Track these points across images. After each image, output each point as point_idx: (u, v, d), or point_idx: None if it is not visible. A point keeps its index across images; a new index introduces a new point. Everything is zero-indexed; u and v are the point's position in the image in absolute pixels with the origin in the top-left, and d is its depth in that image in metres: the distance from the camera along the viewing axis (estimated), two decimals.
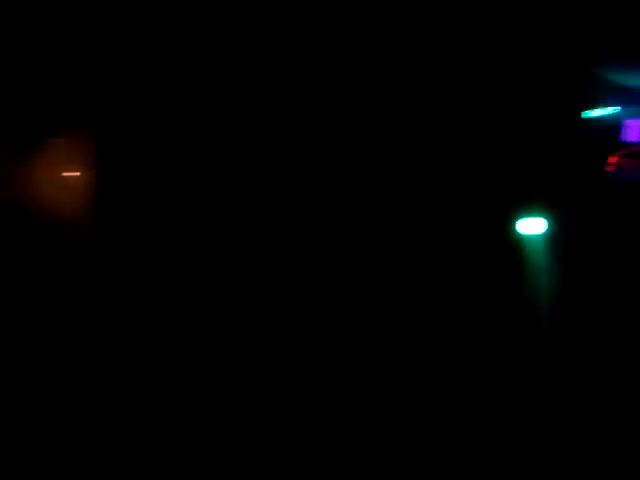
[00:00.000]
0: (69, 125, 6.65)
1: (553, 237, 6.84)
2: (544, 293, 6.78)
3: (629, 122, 7.95)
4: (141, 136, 6.47)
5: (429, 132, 6.03)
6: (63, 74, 6.13)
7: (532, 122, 6.54)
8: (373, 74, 5.75)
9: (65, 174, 7.06)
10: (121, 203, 6.58)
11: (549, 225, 6.64)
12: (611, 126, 7.55)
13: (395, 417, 4.20)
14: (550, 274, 6.88)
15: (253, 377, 4.74)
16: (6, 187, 6.92)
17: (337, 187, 6.10)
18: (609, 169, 7.82)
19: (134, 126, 6.44)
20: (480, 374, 4.89)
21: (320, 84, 5.80)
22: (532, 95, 6.40)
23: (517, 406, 4.34)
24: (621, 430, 3.93)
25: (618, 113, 7.40)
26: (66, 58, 5.89)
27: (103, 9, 5.48)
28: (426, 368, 4.84)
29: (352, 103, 5.87)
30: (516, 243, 6.67)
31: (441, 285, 5.89)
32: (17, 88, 6.13)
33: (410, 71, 5.70)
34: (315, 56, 5.69)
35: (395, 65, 5.69)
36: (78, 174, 7.02)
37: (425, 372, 4.79)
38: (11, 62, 5.83)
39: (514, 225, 6.59)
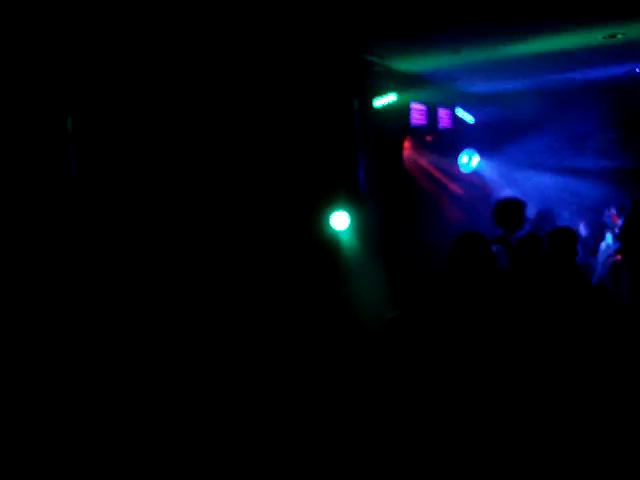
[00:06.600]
0: None
1: (359, 230, 6.96)
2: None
3: (413, 107, 8.20)
4: None
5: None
6: None
7: (317, 122, 6.57)
8: None
9: None
10: None
11: (353, 218, 6.73)
12: (399, 112, 7.72)
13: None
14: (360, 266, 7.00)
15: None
16: None
17: None
18: (405, 153, 8.04)
19: None
20: None
21: None
22: (311, 93, 6.43)
23: None
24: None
25: (403, 99, 7.57)
26: None
27: None
28: None
29: None
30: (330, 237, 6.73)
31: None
32: None
33: None
34: None
35: None
36: None
37: None
38: None
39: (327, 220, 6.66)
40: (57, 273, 4.10)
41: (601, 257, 6.44)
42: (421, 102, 8.36)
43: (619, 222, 6.24)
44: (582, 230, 7.62)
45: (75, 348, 4.05)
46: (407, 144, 8.09)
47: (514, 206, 6.18)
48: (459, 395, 3.40)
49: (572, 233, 4.99)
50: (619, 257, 5.23)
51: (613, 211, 7.47)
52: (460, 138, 9.78)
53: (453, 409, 3.39)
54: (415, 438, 3.41)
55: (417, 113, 8.28)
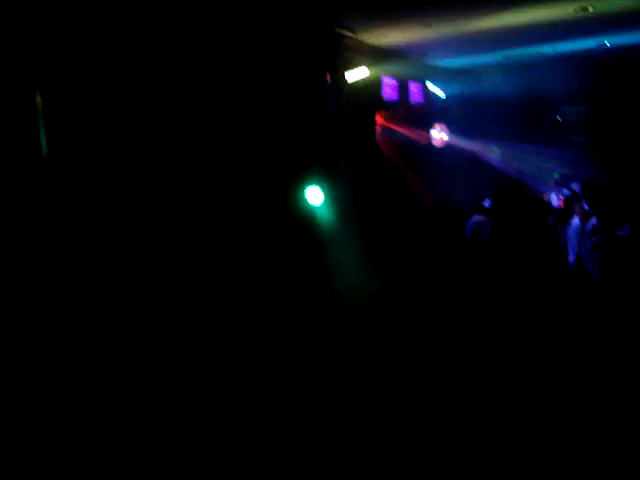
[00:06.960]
0: None
1: (334, 204, 6.95)
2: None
3: (385, 81, 8.18)
4: None
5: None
6: None
7: (290, 96, 6.50)
8: None
9: None
10: None
11: (326, 194, 6.72)
12: (371, 86, 7.69)
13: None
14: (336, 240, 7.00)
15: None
16: None
17: None
18: (378, 127, 8.03)
19: None
20: None
21: None
22: (283, 67, 6.35)
23: None
24: None
25: (374, 73, 7.54)
26: None
27: None
28: None
29: None
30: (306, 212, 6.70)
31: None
32: None
33: None
34: None
35: None
36: None
37: None
38: None
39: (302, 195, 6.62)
40: (25, 265, 3.76)
41: (572, 231, 6.50)
42: (393, 76, 8.34)
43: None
44: (554, 200, 7.73)
45: (43, 345, 3.88)
46: (379, 118, 8.07)
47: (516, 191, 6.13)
48: (445, 371, 3.43)
49: (545, 204, 5.04)
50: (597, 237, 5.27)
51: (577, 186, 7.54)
52: (431, 112, 9.80)
53: (439, 384, 3.42)
54: (403, 412, 3.44)
55: (389, 87, 8.25)
